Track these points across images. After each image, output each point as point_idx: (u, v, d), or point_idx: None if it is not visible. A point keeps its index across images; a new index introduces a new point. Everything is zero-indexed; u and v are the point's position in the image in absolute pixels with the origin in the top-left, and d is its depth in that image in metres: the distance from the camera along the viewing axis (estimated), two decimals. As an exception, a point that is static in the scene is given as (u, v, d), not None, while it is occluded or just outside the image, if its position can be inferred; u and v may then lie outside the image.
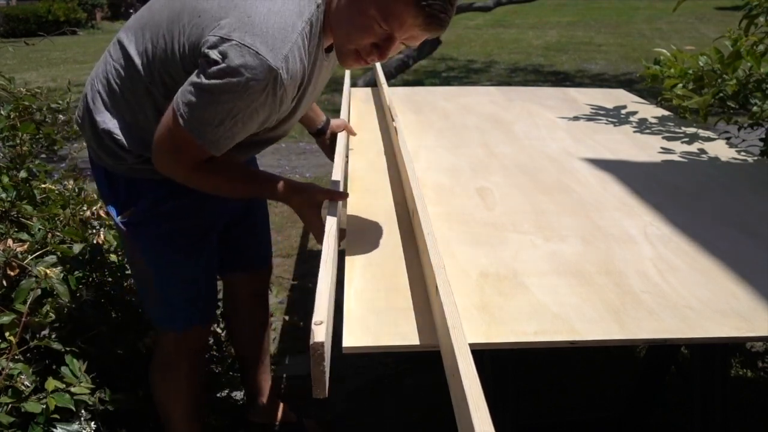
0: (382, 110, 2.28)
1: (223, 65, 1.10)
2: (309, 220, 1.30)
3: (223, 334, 2.09)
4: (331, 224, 1.18)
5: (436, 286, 0.96)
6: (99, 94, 1.36)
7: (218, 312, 1.94)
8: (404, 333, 0.97)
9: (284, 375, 2.26)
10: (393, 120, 1.85)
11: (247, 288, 1.83)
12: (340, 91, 2.35)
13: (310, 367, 0.88)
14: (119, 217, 1.43)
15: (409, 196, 1.37)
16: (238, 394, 2.06)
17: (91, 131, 1.38)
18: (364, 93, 2.60)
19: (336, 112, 1.96)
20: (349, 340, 0.95)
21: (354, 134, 1.98)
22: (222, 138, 1.18)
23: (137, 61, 1.29)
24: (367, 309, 1.03)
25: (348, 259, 1.19)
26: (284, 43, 1.12)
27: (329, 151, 1.82)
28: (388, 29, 1.14)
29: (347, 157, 1.75)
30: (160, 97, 1.27)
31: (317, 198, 1.30)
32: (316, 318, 0.91)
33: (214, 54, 1.12)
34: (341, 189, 1.41)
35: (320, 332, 0.87)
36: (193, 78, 1.15)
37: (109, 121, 1.34)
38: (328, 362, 0.87)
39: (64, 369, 1.50)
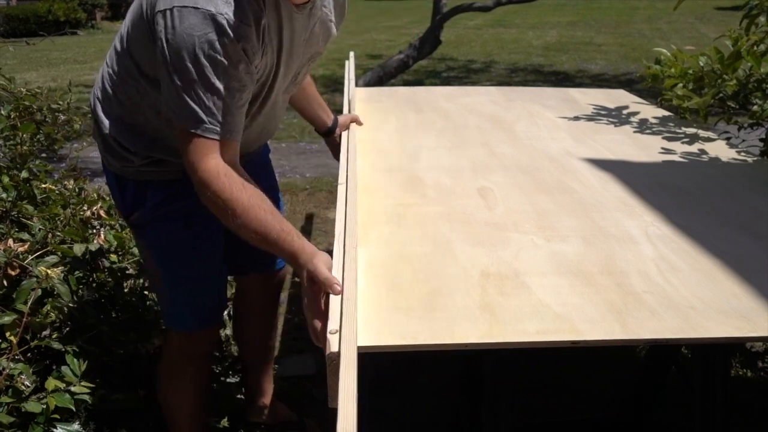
0: (382, 110, 2.28)
1: (171, 39, 1.11)
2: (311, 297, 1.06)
3: (223, 334, 2.09)
4: (340, 231, 1.19)
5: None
6: (98, 99, 1.38)
7: (226, 313, 1.94)
8: (405, 333, 0.97)
9: (284, 375, 2.26)
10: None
11: (260, 289, 1.82)
12: (340, 90, 2.35)
13: (327, 376, 0.89)
14: (130, 219, 1.43)
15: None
16: (238, 394, 2.06)
17: (98, 136, 1.41)
18: (364, 93, 2.60)
19: (336, 112, 1.96)
20: (350, 340, 0.95)
21: (360, 124, 2.00)
22: (211, 112, 1.13)
23: (125, 59, 1.30)
24: (367, 309, 1.03)
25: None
26: None
27: (337, 151, 1.82)
28: None
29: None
30: (151, 91, 1.27)
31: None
32: (330, 326, 0.92)
33: (163, 36, 1.12)
34: (346, 189, 1.41)
35: (335, 342, 0.89)
36: (161, 78, 1.15)
37: (111, 125, 1.36)
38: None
39: (64, 369, 1.50)
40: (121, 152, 1.36)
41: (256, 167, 1.59)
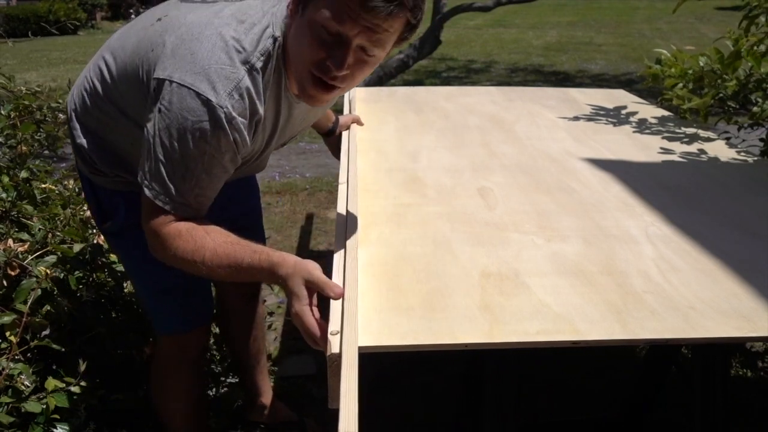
0: (382, 110, 2.28)
1: (165, 112, 1.06)
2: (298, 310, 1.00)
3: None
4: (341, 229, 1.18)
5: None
6: (75, 104, 1.35)
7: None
8: (406, 333, 0.97)
9: (284, 375, 2.26)
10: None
11: (237, 291, 1.81)
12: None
13: (328, 377, 0.89)
14: (103, 227, 1.43)
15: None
16: (239, 394, 2.06)
17: (70, 139, 1.38)
18: (364, 93, 2.60)
19: (337, 112, 1.96)
20: (350, 340, 0.95)
21: (362, 124, 1.99)
22: (187, 193, 1.10)
23: (113, 92, 1.26)
24: (368, 309, 1.03)
25: (349, 259, 1.19)
26: (229, 80, 1.07)
27: (336, 150, 1.82)
28: (337, 26, 1.01)
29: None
30: (135, 129, 1.21)
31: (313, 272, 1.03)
32: (331, 327, 0.92)
33: (157, 104, 1.08)
34: (347, 190, 1.39)
35: (336, 342, 0.89)
36: (145, 140, 1.11)
37: (84, 136, 1.34)
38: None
39: (64, 369, 1.50)
40: (91, 162, 1.34)
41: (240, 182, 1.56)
